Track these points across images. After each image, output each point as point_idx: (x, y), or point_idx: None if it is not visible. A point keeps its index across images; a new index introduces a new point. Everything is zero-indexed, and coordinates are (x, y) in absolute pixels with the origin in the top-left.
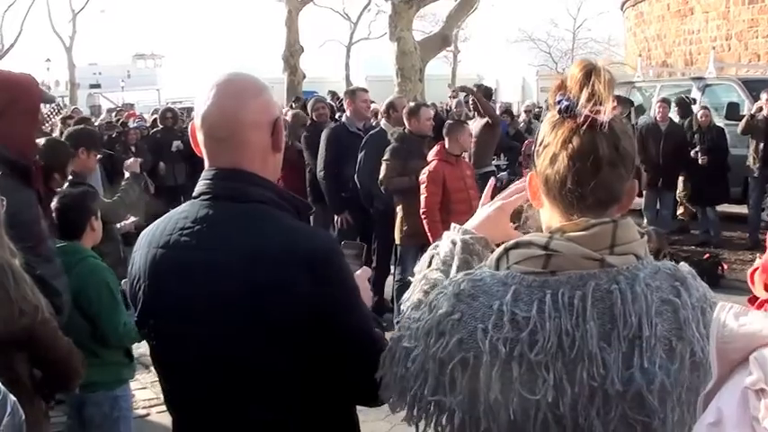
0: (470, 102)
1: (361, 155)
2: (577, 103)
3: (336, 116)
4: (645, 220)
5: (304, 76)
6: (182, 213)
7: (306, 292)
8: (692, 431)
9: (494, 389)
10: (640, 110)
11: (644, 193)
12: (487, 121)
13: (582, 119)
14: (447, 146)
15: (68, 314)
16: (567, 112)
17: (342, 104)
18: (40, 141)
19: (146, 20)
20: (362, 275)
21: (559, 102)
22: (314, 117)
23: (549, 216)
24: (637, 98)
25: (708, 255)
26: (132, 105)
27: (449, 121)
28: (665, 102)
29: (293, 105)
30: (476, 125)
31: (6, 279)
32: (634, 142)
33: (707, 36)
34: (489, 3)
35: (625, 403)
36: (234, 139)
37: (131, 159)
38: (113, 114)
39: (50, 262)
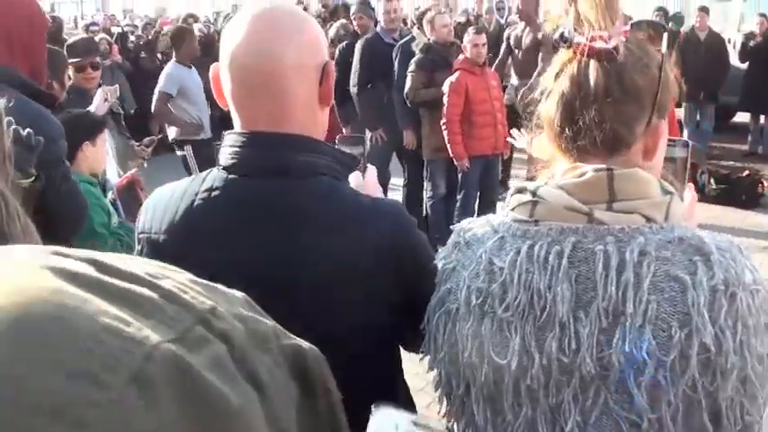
0: (517, 11)
1: (395, 68)
2: (568, 30)
3: None
4: (685, 134)
5: None
6: (210, 192)
7: (384, 285)
8: None
9: (468, 347)
10: (677, 16)
11: (683, 105)
12: (538, 37)
13: (576, 47)
14: (469, 55)
15: None
16: (563, 41)
17: None
18: None
19: None
20: (371, 175)
21: (557, 29)
22: (356, 29)
23: (556, 161)
24: (675, 5)
25: (748, 172)
26: (164, 9)
27: (470, 29)
28: (704, 10)
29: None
30: (525, 36)
31: None
32: (655, 73)
33: None
34: None
35: (609, 394)
36: (273, 87)
37: (99, 97)
38: (143, 20)
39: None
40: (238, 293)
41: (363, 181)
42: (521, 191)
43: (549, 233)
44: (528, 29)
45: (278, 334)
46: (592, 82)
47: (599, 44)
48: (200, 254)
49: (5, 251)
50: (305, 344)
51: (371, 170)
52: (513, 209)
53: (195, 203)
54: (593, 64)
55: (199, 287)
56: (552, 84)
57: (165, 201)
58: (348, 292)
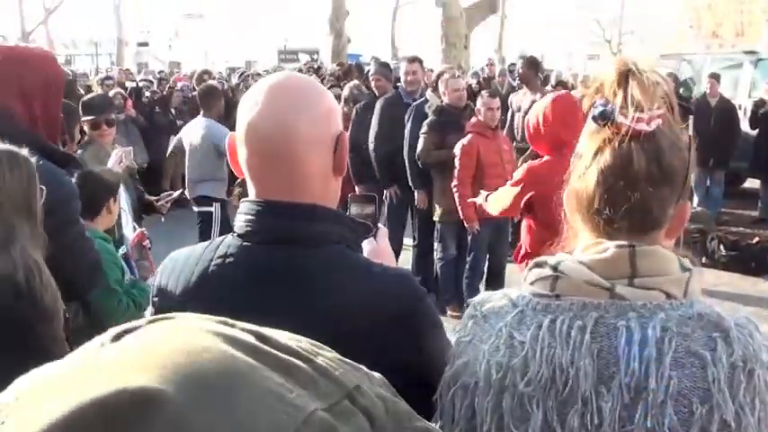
0: (518, 74)
1: (407, 128)
2: (611, 110)
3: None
4: (695, 199)
5: (349, 40)
6: (224, 258)
7: (393, 356)
8: None
9: (487, 421)
10: (688, 84)
11: (694, 171)
12: (536, 100)
13: (617, 127)
14: (482, 118)
15: None
16: (602, 120)
17: None
18: None
19: None
20: (383, 238)
21: (594, 107)
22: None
23: (578, 236)
24: (686, 71)
25: (758, 239)
26: (179, 64)
27: (483, 92)
28: (715, 77)
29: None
30: (525, 100)
31: (33, 280)
32: (686, 156)
33: (759, 7)
34: None
35: None
36: (288, 158)
37: (114, 159)
38: (157, 75)
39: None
40: (377, 375)
41: (376, 246)
42: (539, 265)
43: (570, 308)
44: (528, 92)
45: (411, 416)
46: (635, 165)
47: (641, 126)
48: None
49: (179, 317)
50: (433, 426)
51: (383, 232)
52: (532, 283)
53: (210, 269)
54: (634, 145)
55: (346, 366)
56: (590, 161)
57: (181, 265)
58: (357, 362)
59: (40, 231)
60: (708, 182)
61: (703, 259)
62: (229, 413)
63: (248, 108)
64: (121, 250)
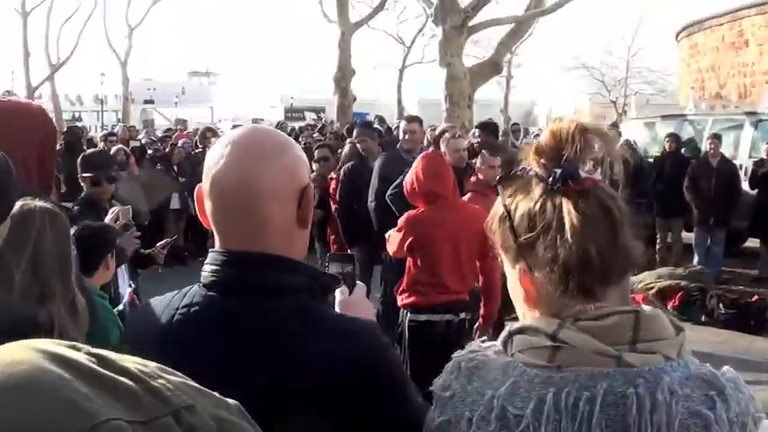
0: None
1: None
2: (577, 168)
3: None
4: (695, 258)
5: (355, 99)
6: (189, 308)
7: (357, 409)
8: None
9: None
10: (692, 143)
11: (695, 230)
12: (505, 160)
13: (584, 183)
14: (482, 176)
15: None
16: (562, 181)
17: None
18: None
19: (201, 38)
20: (359, 292)
21: (550, 170)
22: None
23: (556, 303)
24: (688, 131)
25: (756, 297)
26: (185, 122)
27: (484, 150)
28: (717, 137)
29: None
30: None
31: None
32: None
33: (761, 69)
34: (543, 30)
35: None
36: (251, 211)
37: (110, 217)
38: (160, 133)
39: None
40: (233, 402)
41: (348, 298)
42: (524, 331)
43: (576, 379)
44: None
45: None
46: (614, 212)
47: (596, 176)
48: (172, 368)
49: (27, 341)
50: None
51: (360, 288)
52: (521, 351)
53: (175, 318)
54: (600, 195)
55: (190, 390)
56: (574, 224)
57: (149, 313)
58: (318, 414)
59: (71, 287)
60: (708, 241)
61: (703, 317)
62: (15, 412)
63: (213, 162)
64: (119, 308)
